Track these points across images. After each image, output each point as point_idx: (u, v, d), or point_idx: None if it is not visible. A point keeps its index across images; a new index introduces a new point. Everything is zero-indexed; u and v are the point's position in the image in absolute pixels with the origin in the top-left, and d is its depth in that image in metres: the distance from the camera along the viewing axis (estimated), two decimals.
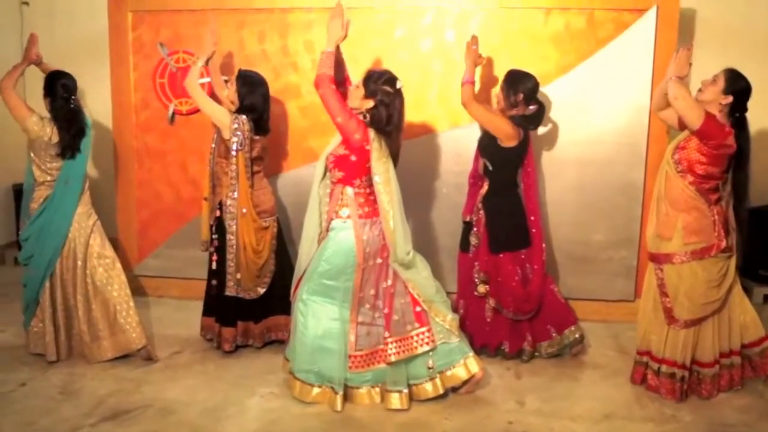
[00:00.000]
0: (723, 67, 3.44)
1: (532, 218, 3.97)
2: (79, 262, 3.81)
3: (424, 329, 3.39)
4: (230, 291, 3.89)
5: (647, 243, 3.58)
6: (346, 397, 3.41)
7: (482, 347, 3.96)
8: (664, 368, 3.49)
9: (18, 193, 5.62)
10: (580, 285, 4.61)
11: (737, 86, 3.35)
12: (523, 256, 3.95)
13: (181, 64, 4.75)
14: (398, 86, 3.36)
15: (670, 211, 3.42)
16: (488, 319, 3.96)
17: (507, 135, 3.80)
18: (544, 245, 4.00)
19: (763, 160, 5.37)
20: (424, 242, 4.54)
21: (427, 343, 3.38)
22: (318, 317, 3.41)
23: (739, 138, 3.30)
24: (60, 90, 3.71)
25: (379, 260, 3.40)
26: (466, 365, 3.44)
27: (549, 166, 4.52)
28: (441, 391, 3.43)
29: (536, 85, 3.89)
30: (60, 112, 3.71)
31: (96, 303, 3.84)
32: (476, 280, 3.95)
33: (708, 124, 3.22)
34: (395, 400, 3.38)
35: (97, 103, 5.33)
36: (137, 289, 5.00)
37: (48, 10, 5.91)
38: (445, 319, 3.42)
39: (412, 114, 4.54)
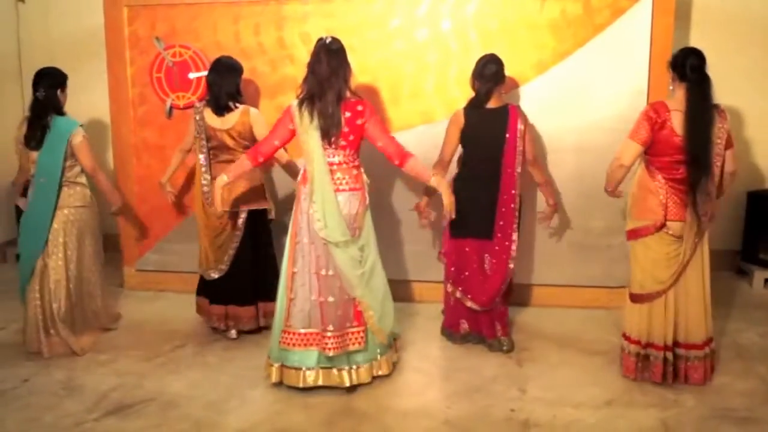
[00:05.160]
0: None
1: (503, 210, 3.86)
2: (60, 262, 3.89)
3: (360, 329, 3.47)
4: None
5: None
6: (283, 376, 3.47)
7: (472, 333, 4.03)
8: (623, 342, 3.61)
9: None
10: (580, 272, 4.61)
11: (670, 61, 3.43)
12: (484, 247, 3.93)
13: (177, 58, 4.74)
14: (323, 40, 3.36)
15: (632, 186, 3.53)
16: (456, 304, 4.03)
17: (454, 123, 3.90)
18: (511, 243, 3.87)
19: (763, 144, 5.39)
20: (420, 231, 4.55)
21: (359, 343, 3.46)
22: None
23: (690, 96, 3.30)
24: (33, 86, 3.90)
25: (305, 240, 3.41)
26: (371, 368, 3.51)
27: (547, 153, 4.51)
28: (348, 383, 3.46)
29: (481, 63, 3.85)
30: (31, 104, 3.90)
31: (77, 298, 3.97)
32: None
33: (636, 133, 3.38)
34: (345, 377, 3.44)
35: (94, 98, 5.34)
36: (138, 284, 5.03)
37: (44, 6, 5.91)
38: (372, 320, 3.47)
39: (408, 104, 4.56)
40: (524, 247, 4.18)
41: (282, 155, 3.98)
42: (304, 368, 3.44)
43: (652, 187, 3.40)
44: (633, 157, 3.40)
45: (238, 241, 4.06)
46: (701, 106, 3.29)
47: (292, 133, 3.40)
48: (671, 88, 3.44)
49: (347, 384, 3.43)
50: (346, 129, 3.32)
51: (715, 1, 5.15)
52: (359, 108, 3.35)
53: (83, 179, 3.97)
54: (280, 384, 3.48)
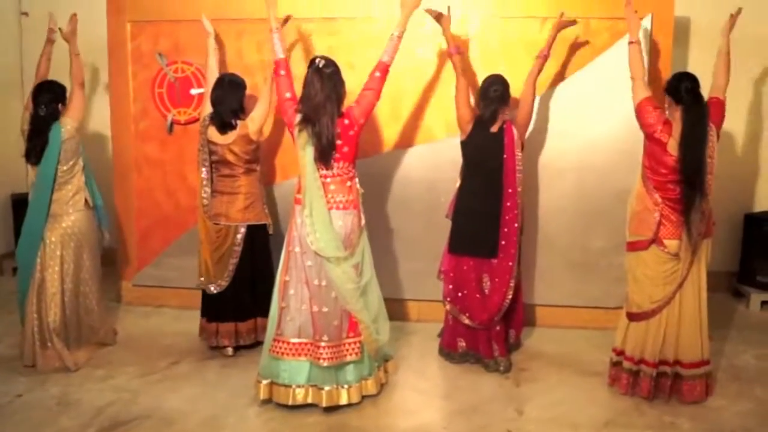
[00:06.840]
0: None
1: (506, 230, 3.87)
2: (56, 275, 3.90)
3: (356, 339, 3.46)
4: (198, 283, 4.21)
5: None
6: (273, 394, 3.46)
7: (470, 352, 4.02)
8: (614, 356, 3.67)
9: (16, 203, 5.63)
10: (579, 291, 4.60)
11: (665, 87, 3.56)
12: (482, 266, 3.92)
13: (179, 74, 4.76)
14: (315, 64, 3.37)
15: (631, 200, 3.61)
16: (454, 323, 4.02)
17: (461, 119, 3.92)
18: (513, 263, 3.88)
19: (760, 166, 5.41)
20: (423, 249, 4.55)
21: (356, 353, 3.44)
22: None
23: (686, 119, 3.34)
24: (33, 100, 3.96)
25: (297, 249, 3.40)
26: (360, 387, 3.49)
27: (547, 173, 4.52)
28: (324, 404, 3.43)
29: (485, 83, 3.91)
30: (32, 119, 3.94)
31: (71, 312, 3.96)
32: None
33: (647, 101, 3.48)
34: (335, 395, 3.42)
35: (96, 112, 5.35)
36: (135, 299, 5.01)
37: (47, 19, 5.92)
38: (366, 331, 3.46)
39: (409, 122, 4.57)
40: (523, 266, 4.17)
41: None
42: (294, 386, 3.43)
43: (649, 204, 3.47)
44: (636, 91, 3.56)
45: (238, 257, 4.06)
46: (697, 129, 3.32)
47: (283, 103, 3.45)
48: (668, 113, 3.48)
49: (343, 402, 3.42)
50: (339, 142, 3.36)
51: (714, 22, 5.16)
52: (346, 122, 3.40)
53: (80, 181, 3.98)
54: (269, 401, 3.47)
